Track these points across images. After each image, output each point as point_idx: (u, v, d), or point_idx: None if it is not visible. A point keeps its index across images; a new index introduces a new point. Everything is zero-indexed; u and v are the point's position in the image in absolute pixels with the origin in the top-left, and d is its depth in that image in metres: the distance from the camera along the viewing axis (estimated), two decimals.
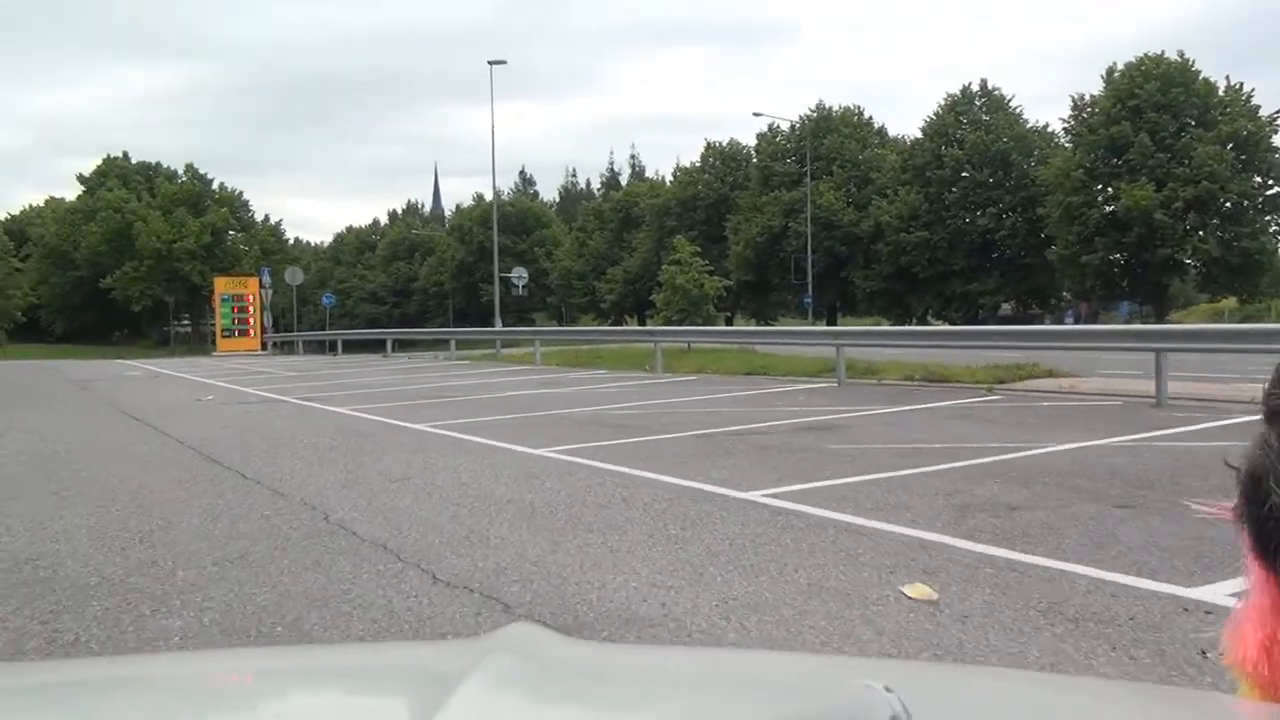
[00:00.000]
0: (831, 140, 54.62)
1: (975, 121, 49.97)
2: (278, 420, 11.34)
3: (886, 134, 58.64)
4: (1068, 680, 1.87)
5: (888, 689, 0.68)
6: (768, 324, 54.02)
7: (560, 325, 61.83)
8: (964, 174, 49.32)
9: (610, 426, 9.83)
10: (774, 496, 5.99)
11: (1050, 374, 14.29)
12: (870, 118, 58.59)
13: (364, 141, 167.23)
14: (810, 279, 47.58)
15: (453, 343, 29.05)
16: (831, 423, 9.67)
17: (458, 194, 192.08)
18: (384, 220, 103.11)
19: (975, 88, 51.26)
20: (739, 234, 55.95)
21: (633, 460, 7.50)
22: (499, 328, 35.01)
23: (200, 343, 61.87)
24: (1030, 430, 8.67)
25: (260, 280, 37.35)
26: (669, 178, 68.83)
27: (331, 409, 12.40)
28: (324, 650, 2.41)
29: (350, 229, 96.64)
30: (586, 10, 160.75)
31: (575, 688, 0.94)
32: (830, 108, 57.26)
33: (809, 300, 49.19)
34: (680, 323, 27.75)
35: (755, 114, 69.60)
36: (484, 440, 8.91)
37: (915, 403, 11.33)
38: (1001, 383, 13.49)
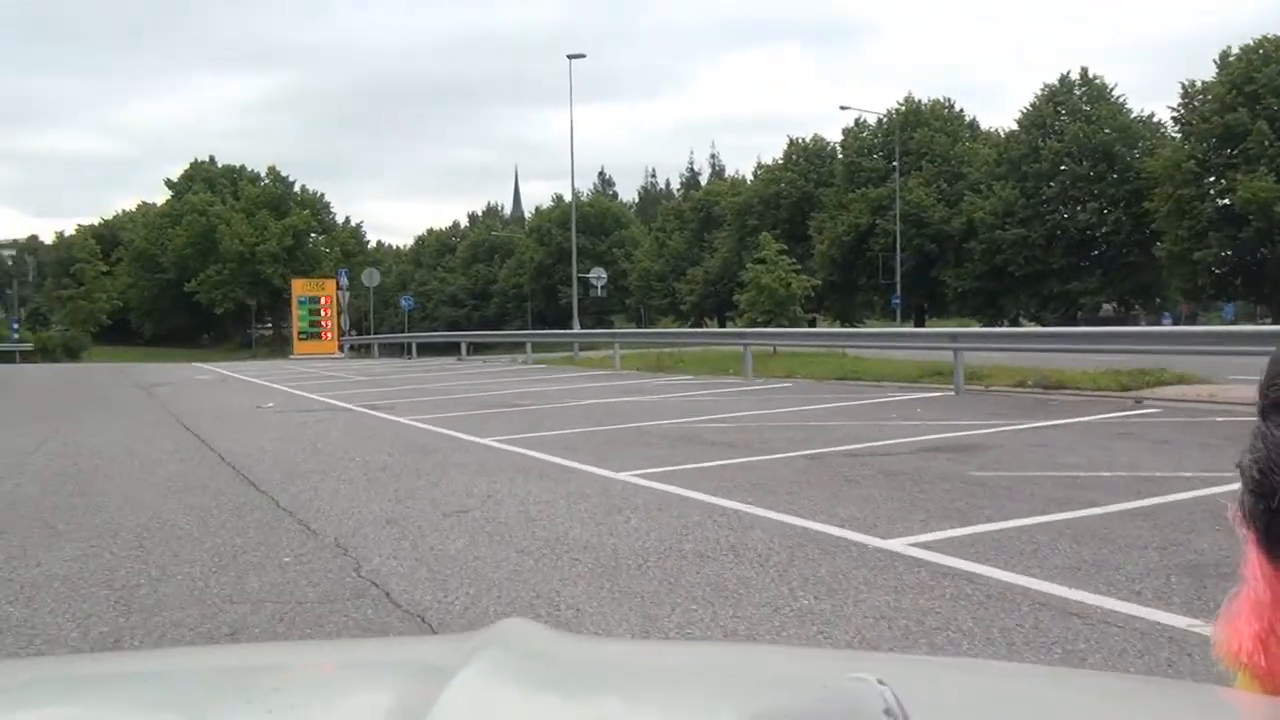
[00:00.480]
0: (921, 134, 52.50)
1: (1075, 112, 47.45)
2: (334, 432, 10.29)
3: (978, 127, 56.30)
4: (1063, 673, 1.92)
5: (881, 682, 0.68)
6: (854, 326, 52.09)
7: (638, 327, 60.75)
8: (1063, 167, 46.84)
9: (703, 444, 8.54)
10: (926, 547, 4.64)
11: (1181, 380, 12.64)
12: (961, 110, 56.37)
13: (446, 145, 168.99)
14: (899, 278, 45.63)
15: (529, 346, 27.97)
16: (965, 441, 8.23)
17: (538, 196, 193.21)
18: (464, 223, 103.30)
19: (1075, 76, 48.75)
20: (823, 232, 54.15)
21: (735, 489, 6.20)
22: (576, 330, 33.96)
23: (281, 346, 62.19)
24: (1220, 454, 7.13)
25: (338, 282, 36.83)
26: (749, 177, 67.41)
27: (394, 419, 11.34)
28: (318, 645, 2.38)
29: (431, 231, 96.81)
30: (665, 12, 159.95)
31: (568, 682, 0.93)
32: (919, 101, 55.16)
33: (897, 301, 47.18)
34: (765, 324, 26.34)
35: (843, 108, 68.31)
36: (558, 460, 7.69)
37: (1055, 416, 9.80)
38: (1127, 390, 11.95)
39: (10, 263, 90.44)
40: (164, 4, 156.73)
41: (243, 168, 68.31)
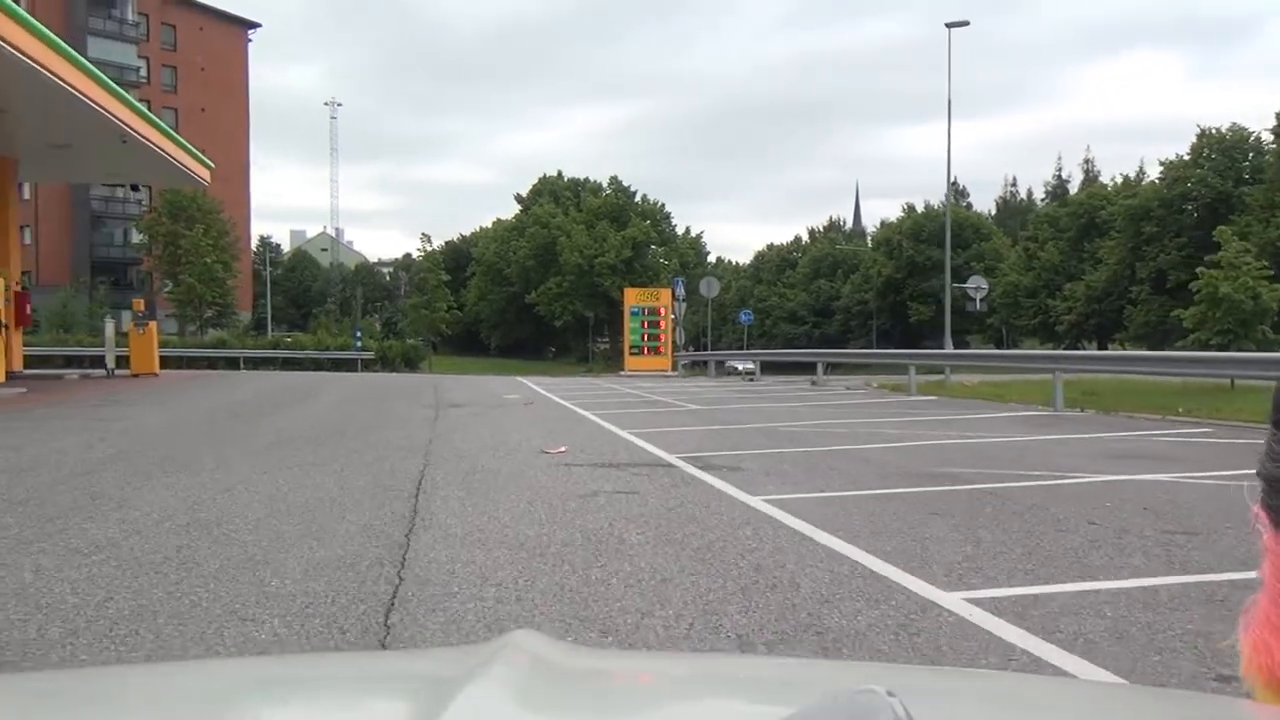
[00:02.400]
0: None
1: None
2: (633, 532, 5.68)
3: None
4: (1072, 684, 1.99)
5: (890, 693, 0.67)
6: None
7: (997, 348, 53.09)
8: None
9: None
10: None
11: None
12: None
13: (785, 165, 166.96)
14: None
15: (912, 369, 22.35)
16: None
17: (878, 214, 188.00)
18: (805, 238, 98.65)
19: None
20: (1247, 239, 44.21)
21: None
22: (949, 350, 28.17)
23: (618, 360, 60.49)
24: None
25: (674, 292, 33.27)
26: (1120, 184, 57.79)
27: (744, 499, 6.65)
28: (326, 658, 2.42)
29: (771, 246, 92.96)
30: (1018, 23, 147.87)
31: (576, 694, 0.94)
32: None
33: None
34: (1222, 347, 19.43)
35: None
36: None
37: None
38: None
39: (387, 278, 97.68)
40: (532, 46, 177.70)
41: (586, 179, 67.69)
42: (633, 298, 32.99)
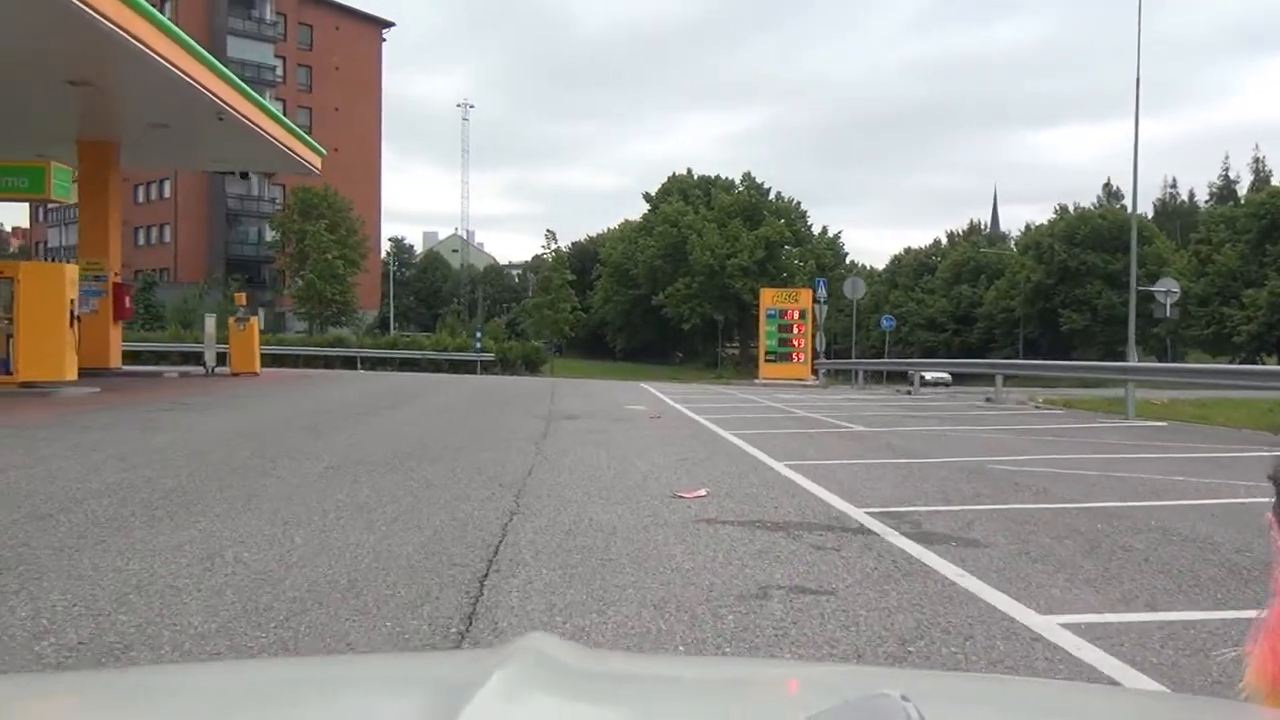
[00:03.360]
0: None
1: None
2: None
3: None
4: (1085, 689, 1.89)
5: (904, 698, 0.67)
6: None
7: (1158, 361, 48.29)
8: None
9: None
10: None
11: None
12: None
13: (916, 171, 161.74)
14: None
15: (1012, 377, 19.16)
16: None
17: (1015, 220, 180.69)
18: (944, 241, 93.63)
19: None
20: None
21: None
22: (1134, 363, 24.50)
23: (749, 367, 57.59)
24: None
25: (815, 294, 30.21)
26: None
27: (1014, 608, 4.01)
28: (341, 660, 2.30)
29: (909, 250, 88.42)
30: (1164, 21, 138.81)
31: (591, 696, 0.93)
32: None
33: None
34: None
35: None
36: None
37: None
38: None
39: (516, 280, 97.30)
40: (659, 51, 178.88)
41: (717, 177, 64.91)
42: (769, 299, 30.09)
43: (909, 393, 23.70)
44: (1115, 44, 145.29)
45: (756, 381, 29.69)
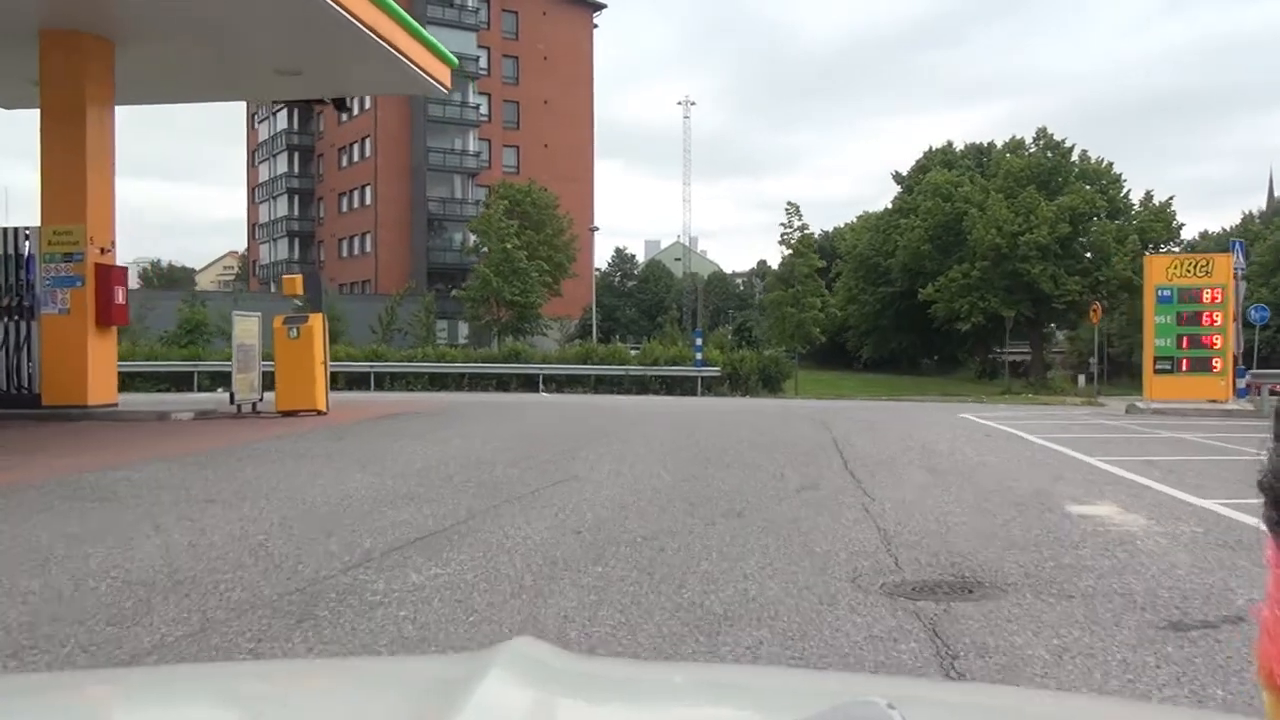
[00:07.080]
0: None
1: None
2: None
3: None
4: (1069, 698, 1.85)
5: (890, 705, 0.67)
6: None
7: None
8: None
9: None
10: None
11: None
12: None
13: (1168, 160, 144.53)
14: None
15: None
16: None
17: None
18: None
19: None
20: None
21: None
22: None
23: (1041, 377, 45.33)
24: None
25: (1235, 259, 18.38)
26: None
27: None
28: (332, 663, 2.34)
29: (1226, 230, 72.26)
30: None
31: (577, 700, 0.94)
32: None
33: None
34: None
35: None
36: None
37: None
38: None
39: (740, 286, 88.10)
40: (878, 56, 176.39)
41: (991, 143, 52.57)
42: (1159, 271, 18.50)
43: None
44: None
45: (1142, 403, 18.61)
